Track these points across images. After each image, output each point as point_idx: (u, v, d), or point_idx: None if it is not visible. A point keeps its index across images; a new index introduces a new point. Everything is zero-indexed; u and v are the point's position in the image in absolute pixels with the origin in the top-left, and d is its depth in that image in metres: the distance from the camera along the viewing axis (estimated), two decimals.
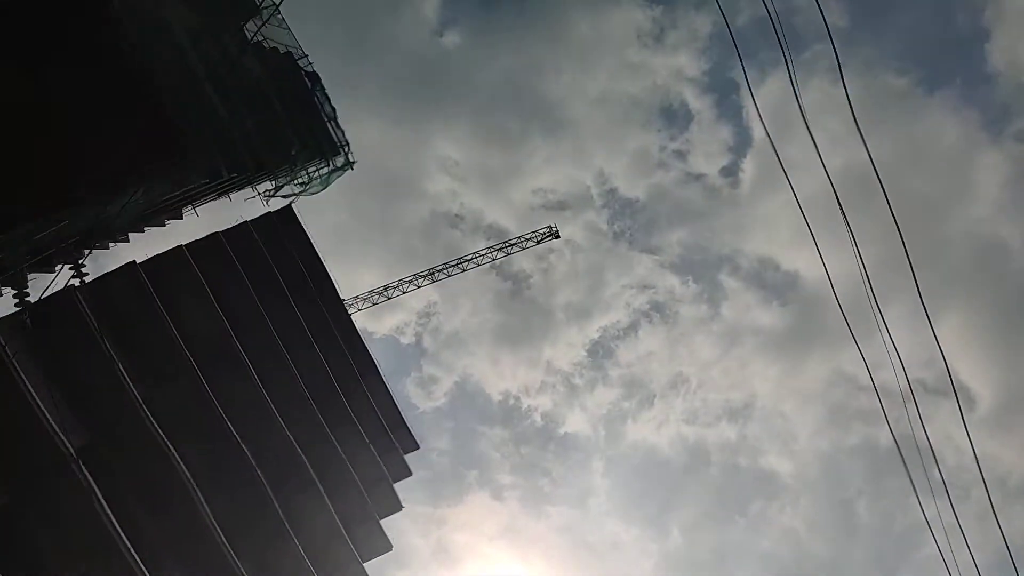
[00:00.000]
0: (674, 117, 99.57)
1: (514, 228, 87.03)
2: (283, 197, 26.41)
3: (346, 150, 26.62)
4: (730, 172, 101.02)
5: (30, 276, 17.98)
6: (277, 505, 21.31)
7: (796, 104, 10.43)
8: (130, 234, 21.89)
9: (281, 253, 28.43)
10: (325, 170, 26.02)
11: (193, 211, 23.46)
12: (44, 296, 18.28)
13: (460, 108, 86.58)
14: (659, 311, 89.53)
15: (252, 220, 28.13)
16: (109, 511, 14.77)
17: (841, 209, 10.76)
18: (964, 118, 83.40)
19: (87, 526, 14.33)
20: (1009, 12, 72.36)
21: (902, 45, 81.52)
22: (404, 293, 44.67)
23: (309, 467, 23.87)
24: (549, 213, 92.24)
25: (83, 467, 14.68)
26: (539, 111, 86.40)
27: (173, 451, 18.28)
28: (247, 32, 18.27)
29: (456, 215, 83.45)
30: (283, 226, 29.61)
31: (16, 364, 14.59)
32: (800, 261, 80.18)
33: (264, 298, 25.82)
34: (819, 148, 10.51)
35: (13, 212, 12.75)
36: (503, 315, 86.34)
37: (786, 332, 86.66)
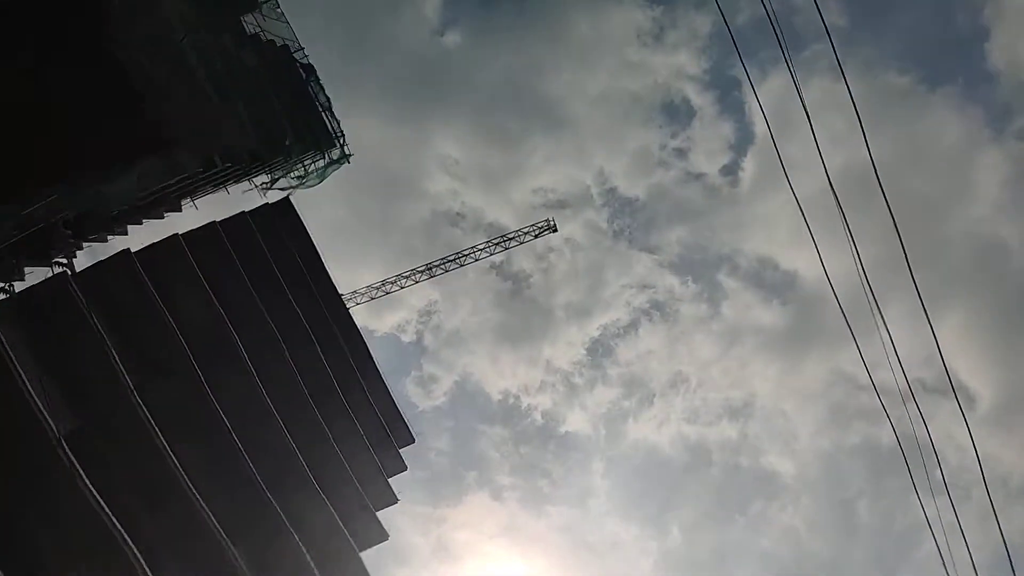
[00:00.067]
0: (676, 113, 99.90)
1: (514, 227, 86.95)
2: (280, 190, 26.40)
3: (342, 142, 26.59)
4: (730, 171, 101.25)
5: (27, 270, 17.92)
6: (271, 496, 21.29)
7: (797, 102, 10.40)
8: (128, 226, 21.83)
9: (278, 245, 28.32)
10: (321, 163, 26.01)
11: (192, 204, 23.41)
12: (35, 284, 18.20)
13: (460, 107, 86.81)
14: (659, 310, 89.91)
15: (249, 211, 28.01)
16: (102, 501, 14.71)
17: (840, 208, 10.74)
18: (964, 117, 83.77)
19: (86, 525, 14.28)
20: (1008, 11, 72.47)
21: (902, 45, 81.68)
22: (402, 289, 44.64)
23: (303, 460, 23.85)
24: (549, 212, 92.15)
25: (74, 458, 14.62)
26: (539, 110, 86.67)
27: (166, 445, 18.23)
28: (245, 25, 18.20)
29: (457, 214, 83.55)
30: (280, 218, 29.49)
31: (11, 354, 14.52)
32: (800, 260, 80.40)
33: (261, 290, 25.71)
34: (820, 147, 10.47)
35: None
36: (503, 314, 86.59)
37: (786, 331, 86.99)
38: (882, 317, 10.73)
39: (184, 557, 17.51)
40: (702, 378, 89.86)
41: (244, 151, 20.35)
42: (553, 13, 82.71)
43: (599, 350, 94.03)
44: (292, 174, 25.77)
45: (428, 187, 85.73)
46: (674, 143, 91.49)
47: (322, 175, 26.85)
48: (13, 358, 14.45)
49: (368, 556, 26.44)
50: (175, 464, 18.12)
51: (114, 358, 18.16)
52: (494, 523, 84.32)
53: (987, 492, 9.95)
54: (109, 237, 21.61)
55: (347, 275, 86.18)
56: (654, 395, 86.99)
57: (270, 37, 19.93)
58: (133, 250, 21.28)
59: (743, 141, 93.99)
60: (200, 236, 24.97)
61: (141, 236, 22.81)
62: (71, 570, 14.19)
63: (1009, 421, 76.91)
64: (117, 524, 14.69)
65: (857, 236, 10.73)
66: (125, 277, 20.54)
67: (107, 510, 14.67)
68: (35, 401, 14.20)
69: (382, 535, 28.65)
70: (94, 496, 14.43)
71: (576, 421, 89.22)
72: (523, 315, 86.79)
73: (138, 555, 14.89)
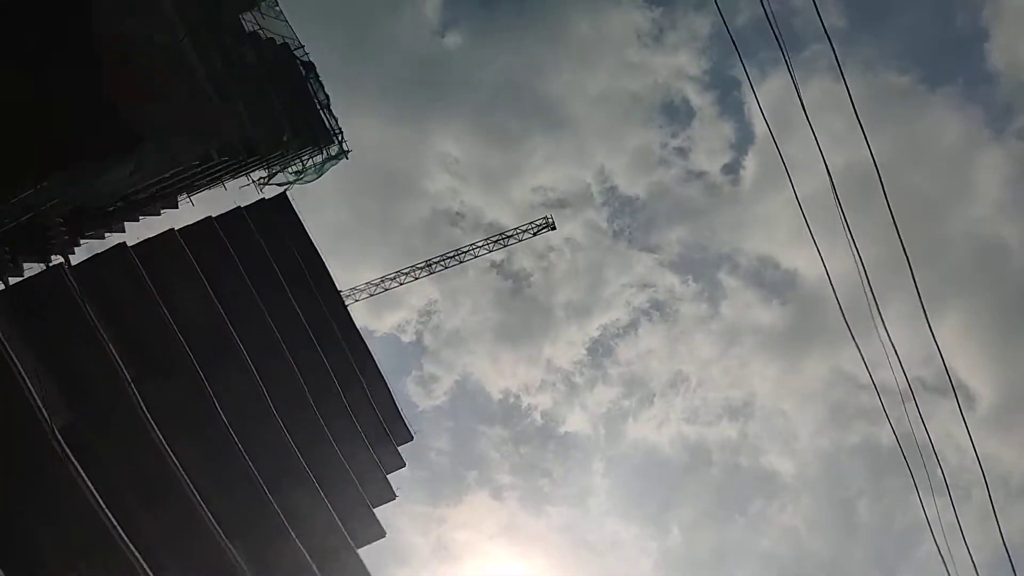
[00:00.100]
0: (676, 113, 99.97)
1: (514, 226, 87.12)
2: (277, 185, 26.31)
3: (340, 138, 26.49)
4: (731, 170, 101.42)
5: (26, 267, 17.86)
6: (267, 491, 21.27)
7: (797, 102, 10.39)
8: (125, 223, 21.75)
9: (275, 240, 28.27)
10: (319, 158, 25.91)
11: (188, 201, 23.32)
12: (30, 276, 18.11)
13: (460, 107, 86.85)
14: (659, 309, 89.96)
15: (246, 206, 27.97)
16: (97, 493, 14.68)
17: (840, 208, 10.74)
18: (964, 117, 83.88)
19: (85, 523, 14.26)
20: (1008, 11, 72.53)
21: (902, 45, 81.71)
22: (401, 285, 44.60)
23: (300, 455, 23.83)
24: (549, 211, 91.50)
25: (71, 452, 14.58)
26: (539, 110, 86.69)
27: (163, 440, 18.20)
28: (244, 23, 18.15)
29: (457, 213, 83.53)
30: (277, 214, 29.45)
31: (8, 347, 14.48)
32: (800, 260, 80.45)
33: (258, 284, 25.67)
34: (820, 147, 10.46)
35: None
36: (503, 313, 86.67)
37: (786, 331, 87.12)
38: (881, 316, 10.74)
39: (182, 555, 17.50)
40: (702, 378, 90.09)
41: (241, 144, 20.27)
42: (553, 13, 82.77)
43: (599, 350, 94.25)
44: (290, 170, 25.69)
45: (428, 187, 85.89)
46: (674, 143, 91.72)
47: (320, 171, 26.75)
48: (10, 351, 14.42)
49: (368, 556, 26.43)
50: (172, 458, 18.10)
51: (111, 351, 18.10)
52: (494, 523, 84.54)
53: (987, 492, 9.99)
54: (107, 234, 21.54)
55: (348, 274, 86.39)
56: (654, 395, 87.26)
57: (269, 35, 19.89)
58: (128, 244, 21.21)
59: (743, 141, 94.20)
60: (196, 231, 24.90)
61: (139, 233, 22.77)
62: (71, 568, 14.19)
63: (1009, 421, 77.20)
64: (115, 522, 14.68)
65: (857, 236, 10.73)
66: (121, 271, 20.47)
67: (105, 508, 14.66)
68: (32, 394, 14.16)
69: (379, 532, 28.66)
70: (93, 494, 14.42)
71: (576, 421, 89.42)
72: (523, 315, 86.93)
73: (137, 554, 14.87)
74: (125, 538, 14.75)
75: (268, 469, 21.67)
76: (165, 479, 17.79)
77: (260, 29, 19.05)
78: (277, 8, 19.63)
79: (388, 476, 30.53)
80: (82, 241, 20.72)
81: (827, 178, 10.62)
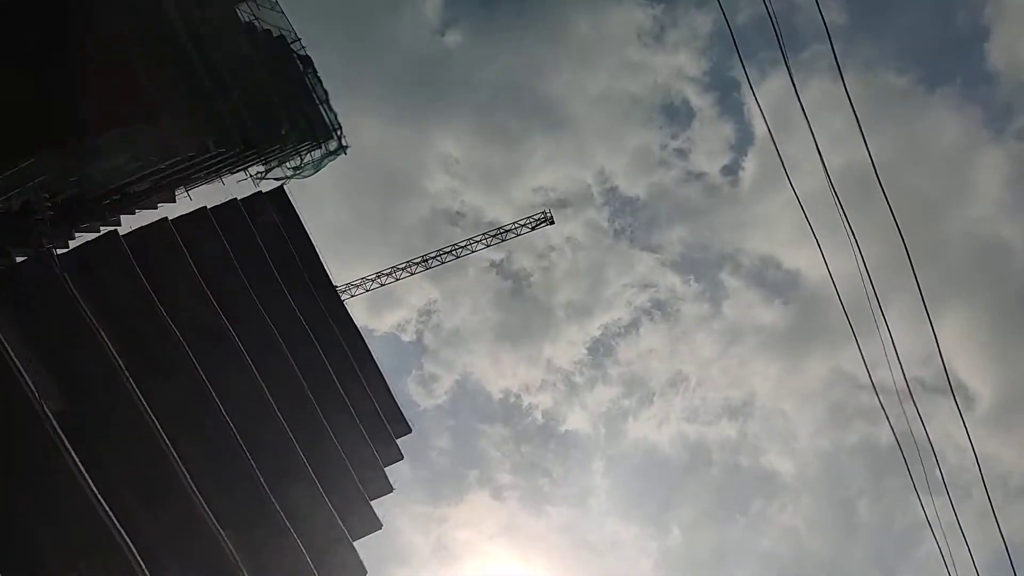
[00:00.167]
0: (675, 114, 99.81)
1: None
2: (275, 179, 26.21)
3: (339, 134, 26.41)
4: (731, 170, 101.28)
5: (18, 257, 17.72)
6: (263, 481, 21.18)
7: (797, 102, 10.30)
8: (121, 216, 21.62)
9: (271, 233, 28.06)
10: (317, 153, 25.83)
11: (186, 194, 23.19)
12: (19, 262, 17.94)
13: (460, 107, 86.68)
14: (660, 309, 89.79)
15: (242, 199, 27.76)
16: (95, 488, 14.58)
17: (840, 207, 10.68)
18: (964, 117, 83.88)
19: (85, 522, 14.17)
20: (1008, 11, 72.48)
21: (901, 44, 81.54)
22: (397, 281, 44.40)
23: (297, 445, 23.72)
24: (549, 208, 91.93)
25: (70, 447, 14.49)
26: (539, 110, 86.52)
27: (165, 438, 18.10)
28: (240, 13, 18.01)
29: (457, 212, 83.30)
30: (273, 207, 29.27)
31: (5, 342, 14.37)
32: (801, 260, 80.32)
33: (253, 278, 25.45)
34: (819, 146, 10.39)
35: None
36: (504, 313, 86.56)
37: (787, 331, 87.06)
38: (883, 316, 10.68)
39: (182, 554, 17.42)
40: (702, 377, 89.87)
41: (237, 137, 20.14)
42: (553, 13, 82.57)
43: (600, 349, 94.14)
44: (288, 164, 25.59)
45: (428, 186, 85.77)
46: (674, 143, 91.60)
47: (318, 166, 26.67)
48: (3, 340, 14.30)
49: (368, 557, 26.31)
50: (170, 450, 17.97)
51: (105, 343, 17.94)
52: (494, 522, 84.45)
53: (986, 492, 9.94)
54: (101, 227, 21.40)
55: (348, 272, 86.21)
56: (654, 394, 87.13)
57: (266, 26, 19.74)
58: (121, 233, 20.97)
59: (743, 141, 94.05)
60: (190, 221, 24.57)
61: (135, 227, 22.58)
62: (71, 568, 14.10)
63: (1009, 421, 77.32)
64: (116, 522, 14.59)
65: (858, 235, 10.67)
66: (114, 260, 20.19)
67: (105, 506, 14.56)
68: (26, 381, 14.06)
69: (376, 524, 28.55)
70: (94, 493, 14.33)
71: (576, 420, 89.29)
72: (523, 314, 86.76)
73: (136, 554, 14.79)
74: (125, 538, 14.66)
75: (262, 459, 21.54)
76: (164, 475, 17.68)
77: (256, 19, 18.92)
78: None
79: (386, 469, 30.42)
80: (76, 234, 20.58)
81: (827, 178, 10.55)
